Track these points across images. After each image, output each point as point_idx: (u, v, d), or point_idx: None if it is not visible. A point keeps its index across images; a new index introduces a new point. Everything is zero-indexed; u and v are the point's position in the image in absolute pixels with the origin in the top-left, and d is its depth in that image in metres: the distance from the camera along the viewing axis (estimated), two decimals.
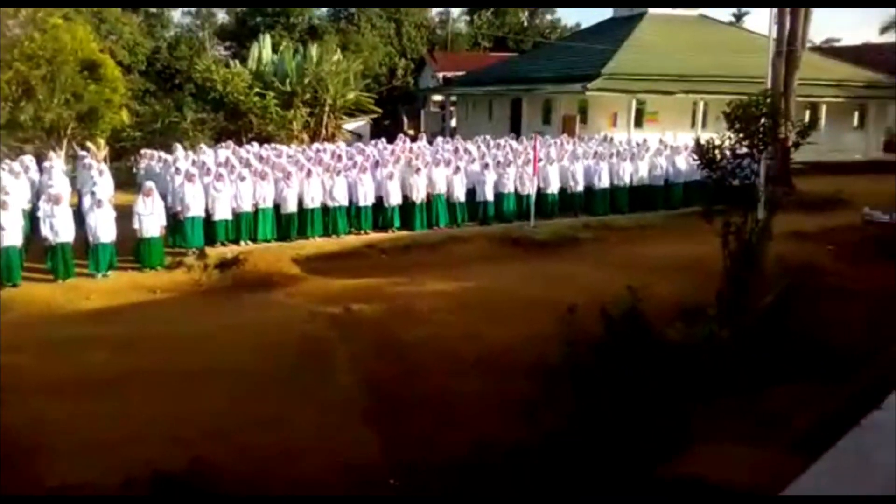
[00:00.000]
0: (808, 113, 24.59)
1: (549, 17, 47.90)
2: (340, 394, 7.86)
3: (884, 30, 39.49)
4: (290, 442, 6.72)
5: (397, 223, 15.21)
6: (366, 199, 14.87)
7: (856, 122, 30.11)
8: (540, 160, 16.59)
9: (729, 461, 4.17)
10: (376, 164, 15.87)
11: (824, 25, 63.71)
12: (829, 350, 7.03)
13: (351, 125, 30.16)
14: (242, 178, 13.95)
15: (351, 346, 9.04)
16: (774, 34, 20.08)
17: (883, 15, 30.91)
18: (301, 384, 7.93)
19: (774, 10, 19.80)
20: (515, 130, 24.86)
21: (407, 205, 15.27)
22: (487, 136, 20.52)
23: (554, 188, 16.82)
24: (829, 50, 36.36)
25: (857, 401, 5.10)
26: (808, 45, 24.77)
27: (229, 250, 13.51)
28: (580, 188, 17.17)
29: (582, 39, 31.34)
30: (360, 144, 19.83)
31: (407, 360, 8.58)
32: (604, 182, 17.33)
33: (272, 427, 7.03)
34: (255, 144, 19.02)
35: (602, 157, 17.63)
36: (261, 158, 16.43)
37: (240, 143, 19.47)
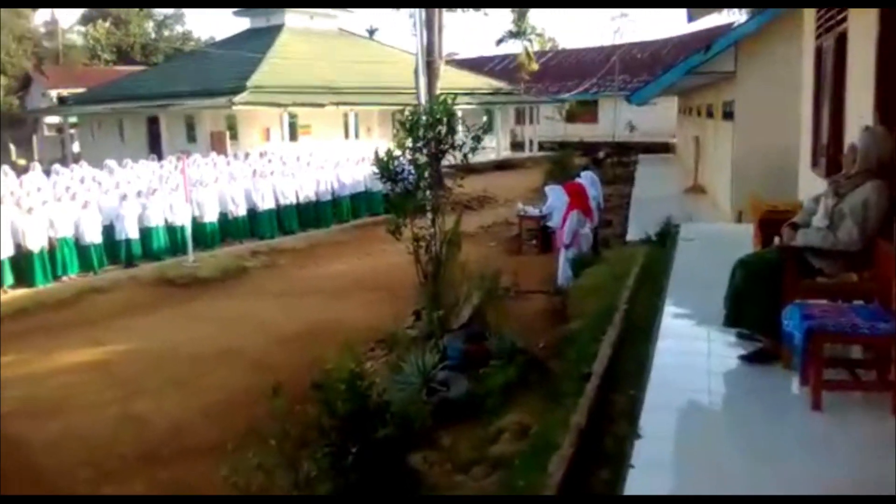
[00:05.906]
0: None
1: (179, 28, 44.65)
2: None
3: (499, 42, 45.07)
4: None
5: (9, 280, 11.80)
6: None
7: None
8: (192, 185, 14.49)
9: None
10: None
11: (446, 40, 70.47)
12: (531, 355, 6.72)
13: None
14: None
15: None
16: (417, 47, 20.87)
17: (498, 30, 35.21)
18: None
19: (416, 24, 20.57)
20: (156, 152, 21.98)
21: (20, 255, 11.92)
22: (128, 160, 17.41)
23: (212, 214, 14.87)
24: (453, 62, 40.14)
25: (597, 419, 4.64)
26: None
27: None
28: (242, 211, 15.52)
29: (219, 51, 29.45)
30: None
31: (39, 467, 6.20)
32: (268, 202, 15.94)
33: None
34: None
35: (262, 175, 16.21)
36: None
37: None
